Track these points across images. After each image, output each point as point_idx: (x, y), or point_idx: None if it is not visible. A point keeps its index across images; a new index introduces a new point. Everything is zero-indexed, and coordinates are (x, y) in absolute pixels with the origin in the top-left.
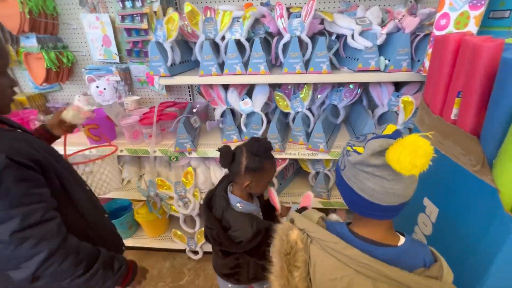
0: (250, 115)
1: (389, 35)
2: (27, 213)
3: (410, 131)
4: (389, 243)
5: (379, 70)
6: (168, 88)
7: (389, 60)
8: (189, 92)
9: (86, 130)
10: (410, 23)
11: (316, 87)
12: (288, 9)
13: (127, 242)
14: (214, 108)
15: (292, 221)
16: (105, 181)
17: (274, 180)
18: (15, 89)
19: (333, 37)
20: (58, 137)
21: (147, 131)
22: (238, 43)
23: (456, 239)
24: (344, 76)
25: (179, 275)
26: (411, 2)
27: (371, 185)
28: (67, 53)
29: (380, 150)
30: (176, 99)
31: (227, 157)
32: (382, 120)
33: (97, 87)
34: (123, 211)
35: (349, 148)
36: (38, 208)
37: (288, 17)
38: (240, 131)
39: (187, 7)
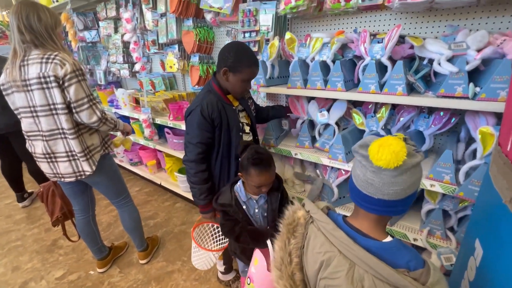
0: (326, 127)
1: (489, 61)
2: (192, 137)
3: None
4: (373, 237)
5: (468, 98)
6: (270, 96)
7: (481, 88)
8: (286, 101)
9: None
10: None
11: (399, 109)
12: (375, 35)
13: None
14: (297, 118)
15: (303, 205)
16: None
17: (335, 189)
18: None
19: (425, 62)
20: None
21: None
22: (325, 64)
23: (492, 286)
24: (421, 100)
25: None
26: None
27: (358, 172)
28: (213, 67)
29: (368, 144)
30: None
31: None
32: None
33: None
34: None
35: None
36: (197, 139)
37: (371, 42)
38: (313, 140)
39: (287, 35)
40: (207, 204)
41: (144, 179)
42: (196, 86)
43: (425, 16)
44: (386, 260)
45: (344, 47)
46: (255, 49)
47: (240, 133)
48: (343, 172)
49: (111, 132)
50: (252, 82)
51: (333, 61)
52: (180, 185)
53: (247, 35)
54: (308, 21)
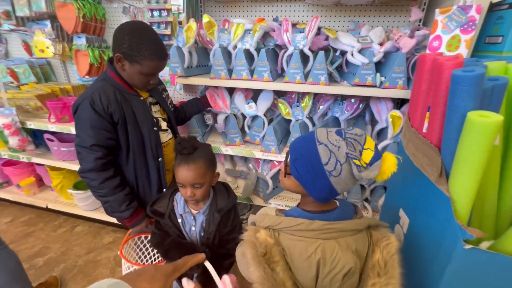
0: (254, 118)
1: (388, 54)
2: (83, 140)
3: (398, 145)
4: (333, 207)
5: (375, 86)
6: (187, 88)
7: (385, 77)
8: (200, 93)
9: None
10: (406, 44)
11: (319, 98)
12: (295, 25)
13: None
14: (217, 113)
15: (254, 224)
16: None
17: (269, 181)
18: None
19: (338, 53)
20: None
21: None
22: (248, 52)
23: (420, 249)
24: (341, 88)
25: None
26: (419, 25)
27: (351, 184)
28: (109, 52)
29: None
30: None
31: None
32: (381, 135)
33: None
34: None
35: (356, 161)
36: (90, 140)
37: (293, 32)
38: (243, 134)
39: (205, 18)
40: (134, 213)
41: (18, 205)
42: (87, 77)
43: (333, 10)
44: (347, 217)
45: (264, 36)
46: (167, 31)
47: (155, 129)
48: (276, 163)
49: None
50: (167, 72)
51: (257, 50)
52: (79, 203)
53: (156, 13)
54: (223, 4)
